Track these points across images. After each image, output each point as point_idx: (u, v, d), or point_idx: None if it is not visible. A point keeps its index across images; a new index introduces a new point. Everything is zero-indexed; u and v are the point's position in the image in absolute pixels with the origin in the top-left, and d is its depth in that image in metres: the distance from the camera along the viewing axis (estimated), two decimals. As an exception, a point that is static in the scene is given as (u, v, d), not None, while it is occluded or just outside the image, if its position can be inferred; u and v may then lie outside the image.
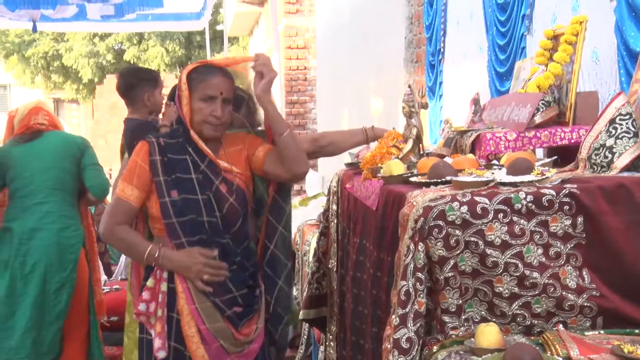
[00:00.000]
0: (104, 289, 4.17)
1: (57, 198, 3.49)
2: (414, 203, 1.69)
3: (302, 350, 3.84)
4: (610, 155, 1.81)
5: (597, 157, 1.83)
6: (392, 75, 5.46)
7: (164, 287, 2.26)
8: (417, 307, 1.62)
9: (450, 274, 1.65)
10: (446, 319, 1.66)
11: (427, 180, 1.85)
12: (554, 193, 1.65)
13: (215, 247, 2.27)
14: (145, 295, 2.28)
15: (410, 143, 2.23)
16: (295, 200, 4.97)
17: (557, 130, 2.14)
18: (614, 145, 1.81)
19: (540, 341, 1.61)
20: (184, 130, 2.30)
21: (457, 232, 1.64)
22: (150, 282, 2.28)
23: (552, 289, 1.64)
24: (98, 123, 16.68)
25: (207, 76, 2.26)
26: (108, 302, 3.97)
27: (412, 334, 1.60)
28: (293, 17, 9.69)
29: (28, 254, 3.43)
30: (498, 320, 1.65)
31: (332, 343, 2.66)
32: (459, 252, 1.64)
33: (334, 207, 2.65)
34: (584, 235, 1.65)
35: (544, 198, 1.65)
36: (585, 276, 1.66)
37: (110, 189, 3.45)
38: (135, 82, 3.44)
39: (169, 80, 11.49)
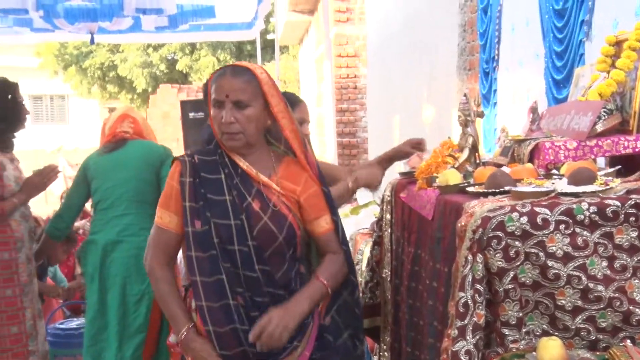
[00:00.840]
0: None
1: (137, 210, 3.42)
2: (472, 213, 1.66)
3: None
4: (678, 165, 1.75)
5: (664, 166, 1.77)
6: (444, 83, 5.41)
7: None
8: (476, 319, 1.59)
9: (510, 286, 1.61)
10: (506, 331, 1.63)
11: (485, 190, 1.82)
12: (619, 204, 1.60)
13: (239, 285, 1.98)
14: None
15: (466, 152, 2.20)
16: (346, 209, 4.97)
17: (620, 139, 2.08)
18: (682, 155, 1.75)
19: (606, 357, 1.56)
20: (216, 143, 2.10)
21: (517, 243, 1.61)
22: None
23: (618, 303, 1.59)
24: (151, 132, 17.02)
25: (215, 79, 2.04)
26: None
27: (471, 346, 1.58)
28: (343, 25, 9.73)
29: (110, 267, 3.39)
30: (561, 334, 1.61)
31: (386, 353, 2.64)
32: (519, 263, 1.61)
33: (388, 216, 2.63)
34: (652, 248, 1.60)
35: (608, 209, 1.60)
36: (653, 290, 1.60)
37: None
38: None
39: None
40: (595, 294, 1.59)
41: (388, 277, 2.59)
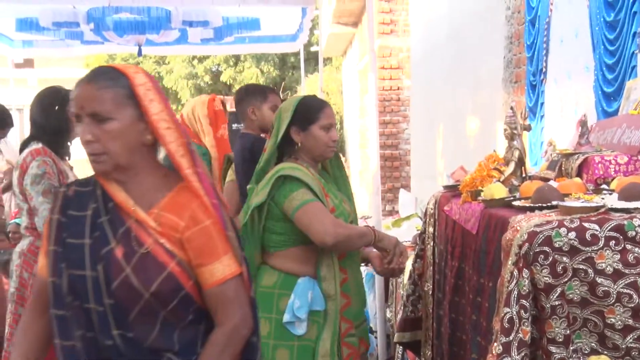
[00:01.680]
0: None
1: None
2: (518, 228, 1.64)
3: (394, 373, 3.79)
4: None
5: None
6: (489, 95, 5.35)
7: None
8: (522, 335, 1.56)
9: (557, 302, 1.58)
10: (553, 349, 1.59)
11: (532, 205, 1.80)
12: (673, 221, 1.56)
13: (96, 354, 1.54)
14: None
15: (512, 166, 2.17)
16: (388, 222, 4.94)
17: (673, 154, 2.02)
18: None
19: (657, 378, 1.51)
20: None
21: (564, 259, 1.57)
22: None
23: (670, 323, 1.55)
24: (195, 143, 17.27)
25: (74, 87, 1.61)
26: None
27: (516, 363, 1.55)
28: (387, 37, 9.72)
29: None
30: (610, 353, 1.58)
31: (427, 368, 2.61)
32: (566, 279, 1.58)
33: (431, 229, 2.61)
34: None
35: (661, 226, 1.56)
36: None
37: None
38: (243, 96, 3.37)
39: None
40: (647, 313, 1.55)
41: (430, 291, 2.56)
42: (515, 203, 1.87)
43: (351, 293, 2.43)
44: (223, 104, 3.75)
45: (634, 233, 1.57)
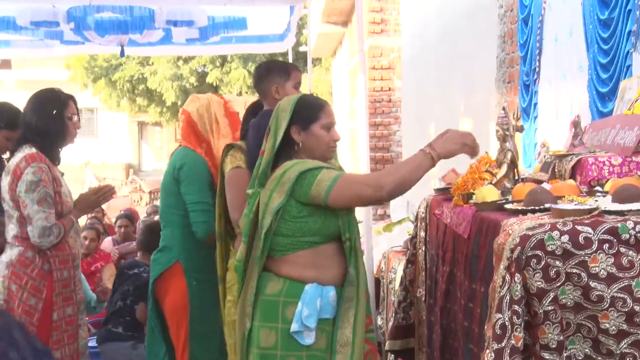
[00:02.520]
0: None
1: (165, 232, 3.36)
2: (510, 231, 1.60)
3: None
4: None
5: None
6: (482, 96, 5.32)
7: None
8: (514, 342, 1.53)
9: (550, 308, 1.55)
10: (546, 355, 1.55)
11: (524, 208, 1.76)
12: (668, 223, 1.52)
13: None
14: None
15: (504, 168, 2.14)
16: (379, 226, 4.90)
17: (668, 155, 1.99)
18: None
19: (653, 385, 1.48)
20: None
21: (557, 263, 1.54)
22: None
23: (666, 328, 1.51)
24: (180, 146, 17.09)
25: None
26: None
27: (509, 371, 1.51)
28: (377, 37, 9.67)
29: None
30: (604, 359, 1.54)
31: (419, 374, 2.57)
32: (559, 284, 1.55)
33: (422, 233, 2.57)
34: (703, 270, 1.51)
35: (656, 228, 1.52)
36: None
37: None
38: (265, 74, 3.11)
39: (250, 101, 11.67)
40: (642, 318, 1.51)
41: (422, 297, 2.52)
42: (508, 206, 1.83)
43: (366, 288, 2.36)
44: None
45: (627, 236, 1.54)
